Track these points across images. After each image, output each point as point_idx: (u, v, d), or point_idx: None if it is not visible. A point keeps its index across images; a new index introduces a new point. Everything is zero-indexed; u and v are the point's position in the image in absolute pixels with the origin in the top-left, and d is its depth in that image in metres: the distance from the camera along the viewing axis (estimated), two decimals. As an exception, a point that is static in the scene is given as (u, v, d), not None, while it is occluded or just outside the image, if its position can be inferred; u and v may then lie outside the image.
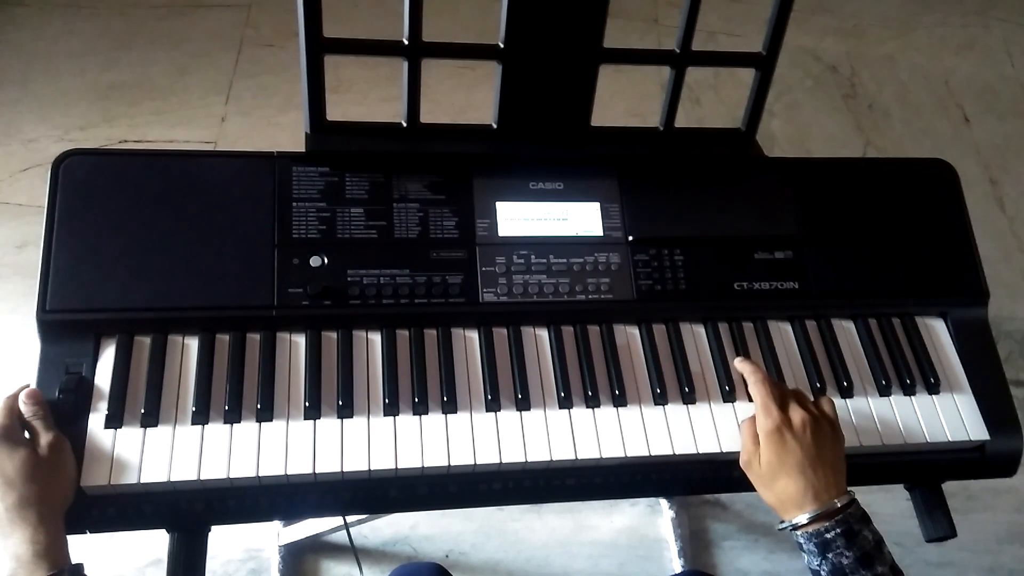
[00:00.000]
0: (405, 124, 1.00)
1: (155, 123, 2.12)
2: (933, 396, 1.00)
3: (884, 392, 0.99)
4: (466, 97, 2.08)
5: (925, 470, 1.00)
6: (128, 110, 2.14)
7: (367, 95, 2.11)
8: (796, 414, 0.86)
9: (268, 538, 1.60)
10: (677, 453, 0.91)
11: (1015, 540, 1.82)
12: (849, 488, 0.85)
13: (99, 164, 0.93)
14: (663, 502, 1.73)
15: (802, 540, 0.82)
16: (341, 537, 1.59)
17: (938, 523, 1.00)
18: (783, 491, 0.84)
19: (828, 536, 0.80)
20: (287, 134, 2.07)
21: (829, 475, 0.84)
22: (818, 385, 0.98)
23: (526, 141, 1.03)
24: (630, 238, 1.01)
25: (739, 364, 0.95)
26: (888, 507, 1.69)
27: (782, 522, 0.85)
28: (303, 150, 0.98)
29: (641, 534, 1.71)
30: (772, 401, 0.87)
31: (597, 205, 1.02)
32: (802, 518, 0.82)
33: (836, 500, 0.82)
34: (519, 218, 1.00)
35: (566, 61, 0.98)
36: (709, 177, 1.06)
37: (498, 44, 0.95)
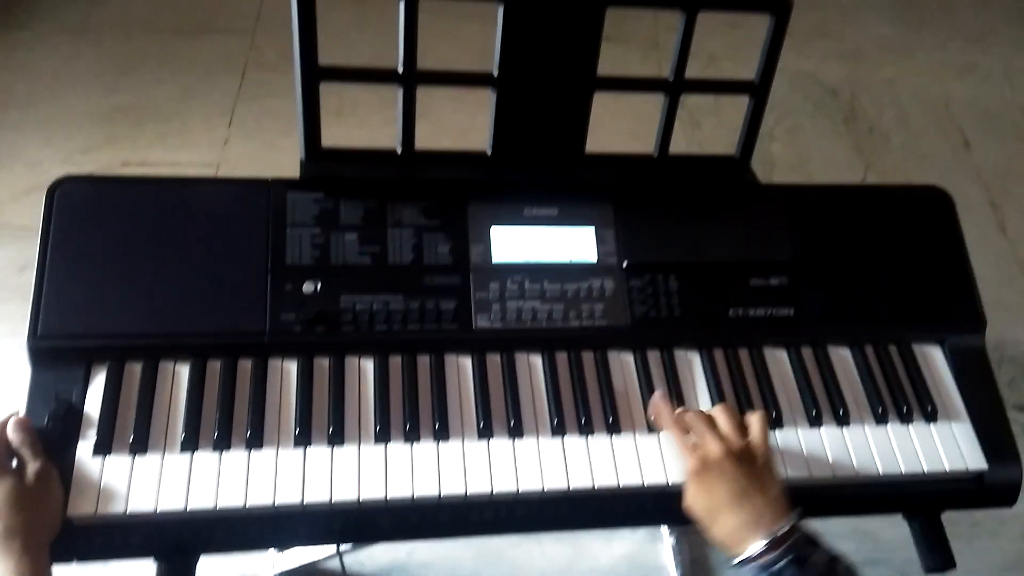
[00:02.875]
0: (400, 150, 1.00)
1: (158, 146, 2.13)
2: (930, 424, 0.99)
3: (881, 420, 0.98)
4: (468, 120, 2.09)
5: (923, 500, 0.99)
6: (131, 133, 2.15)
7: (369, 118, 2.12)
8: (712, 448, 0.85)
9: (262, 566, 1.58)
10: (671, 483, 0.90)
11: (1021, 567, 1.79)
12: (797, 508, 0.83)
13: (94, 190, 0.93)
14: (663, 529, 1.71)
15: (751, 575, 0.80)
16: (337, 564, 1.57)
17: (937, 554, 0.98)
18: (723, 528, 0.82)
19: (778, 567, 0.77)
20: (290, 157, 2.07)
21: (764, 502, 0.81)
22: (814, 413, 0.97)
23: (521, 167, 1.03)
24: (625, 264, 1.00)
25: (651, 408, 0.93)
26: (890, 534, 1.67)
27: (732, 561, 0.82)
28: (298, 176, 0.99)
29: (641, 562, 1.69)
30: (684, 444, 0.87)
31: (592, 231, 1.02)
32: (747, 552, 0.79)
33: (779, 526, 0.79)
34: (513, 244, 1.00)
35: (560, 89, 0.98)
36: (704, 203, 1.06)
37: (492, 72, 0.96)
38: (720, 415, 0.88)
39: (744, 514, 0.81)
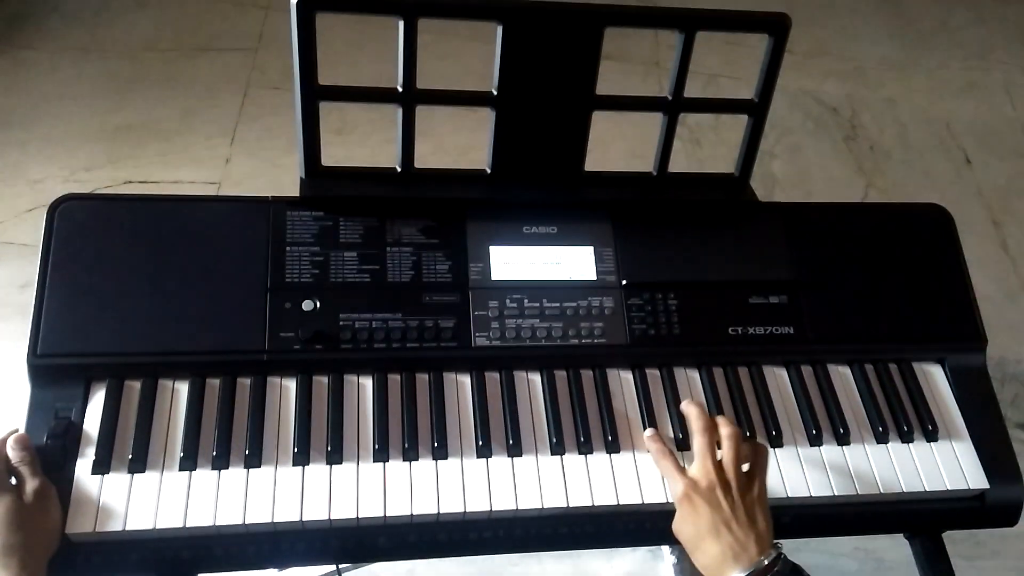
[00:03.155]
0: (399, 169, 1.01)
1: (160, 164, 2.14)
2: (931, 443, 0.98)
3: (881, 439, 0.98)
4: (469, 139, 2.09)
5: (924, 519, 0.98)
6: (134, 151, 2.16)
7: (370, 136, 2.13)
8: (704, 474, 0.84)
9: (262, 583, 1.57)
10: (672, 500, 0.90)
11: (1025, 587, 1.78)
12: (778, 540, 0.83)
13: (94, 209, 0.94)
14: (664, 547, 1.70)
15: None
16: (337, 582, 1.56)
17: (938, 573, 0.97)
18: (705, 555, 0.82)
19: None
20: (291, 175, 2.06)
21: (749, 534, 0.80)
22: (814, 431, 0.96)
23: (520, 186, 1.03)
24: (624, 282, 1.01)
25: (647, 440, 0.93)
26: (893, 553, 1.65)
27: None
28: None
29: (642, 580, 1.68)
30: (675, 469, 0.86)
31: (591, 249, 1.02)
32: None
33: (762, 557, 0.79)
34: (512, 262, 1.00)
35: (558, 108, 0.99)
36: (703, 222, 1.06)
37: (491, 91, 0.97)
38: (725, 441, 0.87)
39: (727, 544, 0.80)
